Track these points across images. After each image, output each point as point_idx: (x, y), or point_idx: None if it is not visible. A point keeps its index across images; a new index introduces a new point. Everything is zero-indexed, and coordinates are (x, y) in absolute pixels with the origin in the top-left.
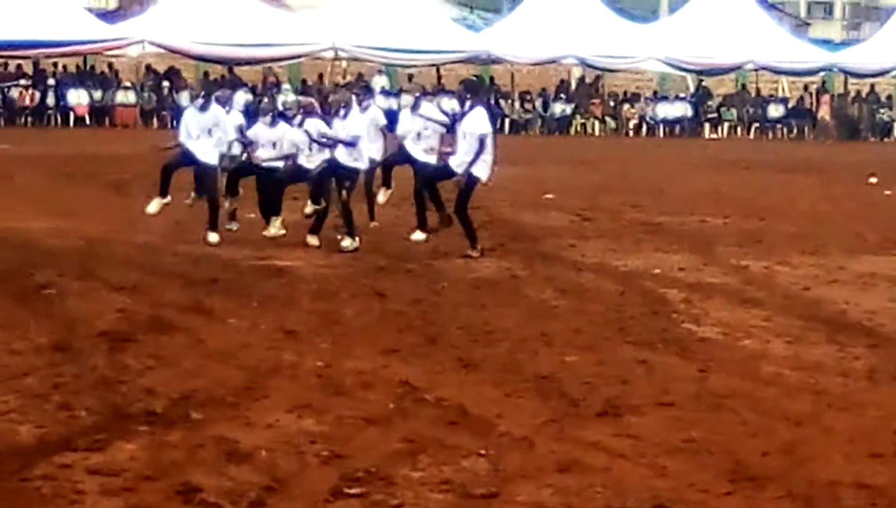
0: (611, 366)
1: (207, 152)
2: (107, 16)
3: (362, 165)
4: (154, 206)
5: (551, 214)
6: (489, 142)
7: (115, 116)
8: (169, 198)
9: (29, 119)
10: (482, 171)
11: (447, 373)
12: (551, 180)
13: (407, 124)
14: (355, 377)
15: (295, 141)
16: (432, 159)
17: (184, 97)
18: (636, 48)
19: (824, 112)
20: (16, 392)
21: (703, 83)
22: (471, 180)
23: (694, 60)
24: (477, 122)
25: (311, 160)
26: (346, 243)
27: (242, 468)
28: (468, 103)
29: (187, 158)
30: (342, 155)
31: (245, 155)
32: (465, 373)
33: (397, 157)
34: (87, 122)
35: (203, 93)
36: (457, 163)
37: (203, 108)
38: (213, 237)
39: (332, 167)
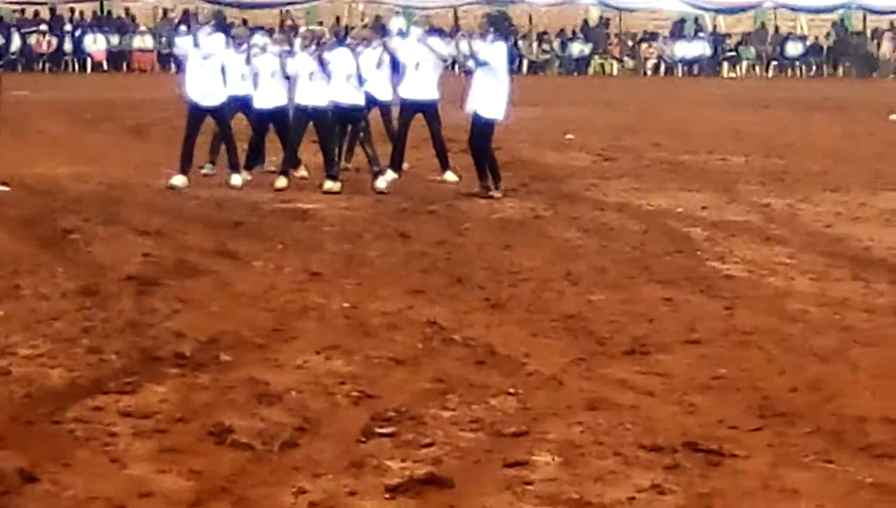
0: (637, 305)
1: (213, 92)
2: None
3: (361, 101)
4: (178, 181)
5: (572, 154)
6: (503, 78)
7: (133, 61)
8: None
9: (47, 65)
10: (497, 111)
11: (474, 313)
12: (571, 121)
13: (409, 52)
14: (382, 317)
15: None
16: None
17: None
18: None
19: (886, 48)
20: (45, 337)
21: (699, 21)
22: (488, 121)
23: None
24: (494, 54)
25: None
26: (380, 183)
27: (273, 409)
28: (490, 38)
29: (198, 112)
30: (340, 94)
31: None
32: (491, 313)
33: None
34: (105, 67)
35: (213, 21)
36: (474, 100)
37: (210, 34)
38: (236, 180)
39: (336, 110)
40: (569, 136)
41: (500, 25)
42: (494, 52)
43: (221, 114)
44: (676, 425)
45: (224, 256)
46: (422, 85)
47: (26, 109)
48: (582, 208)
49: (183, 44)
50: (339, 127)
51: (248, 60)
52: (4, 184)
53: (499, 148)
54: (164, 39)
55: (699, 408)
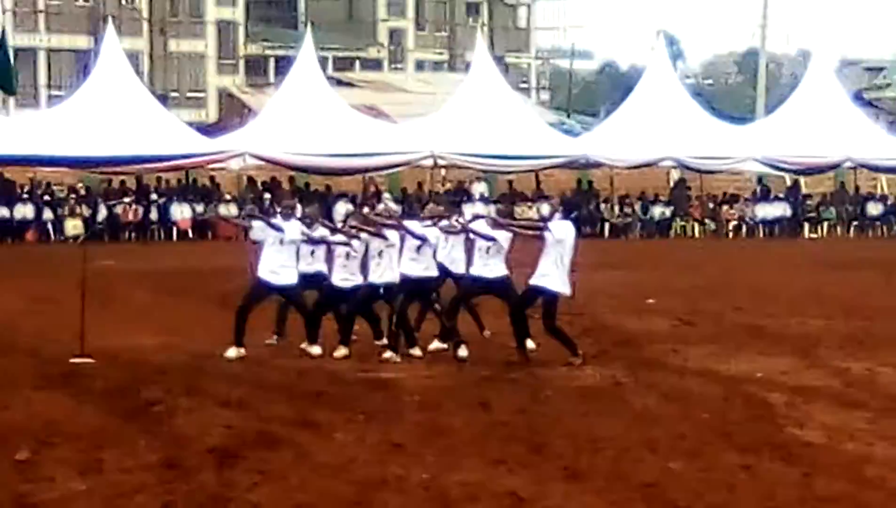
0: (715, 472)
1: (286, 272)
2: (207, 130)
3: (433, 272)
4: (233, 353)
5: (653, 319)
6: (566, 253)
7: (218, 228)
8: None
9: (133, 234)
10: (562, 285)
11: (553, 483)
12: (652, 284)
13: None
14: (461, 488)
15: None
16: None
17: None
18: (734, 149)
19: None
20: None
21: (787, 183)
22: (551, 295)
23: (792, 160)
24: (562, 231)
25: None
26: (462, 351)
27: None
28: (557, 215)
29: (265, 288)
30: (409, 267)
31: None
32: (570, 483)
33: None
34: (190, 235)
35: (293, 204)
36: (538, 276)
37: (286, 218)
38: (316, 349)
39: (406, 283)
40: (649, 300)
41: (569, 210)
42: (562, 228)
43: (292, 292)
44: None
45: (305, 426)
46: (490, 264)
47: (113, 278)
48: (662, 374)
49: (259, 229)
50: (410, 299)
51: (319, 241)
52: (89, 356)
53: (580, 313)
54: (248, 207)
55: None
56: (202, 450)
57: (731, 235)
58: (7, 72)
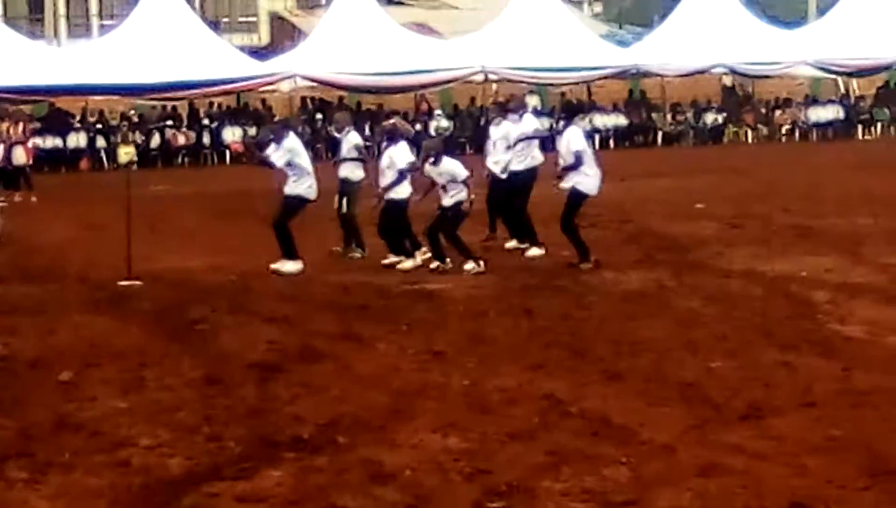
0: (754, 370)
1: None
2: (258, 53)
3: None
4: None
5: (701, 223)
6: (587, 158)
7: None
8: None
9: (185, 159)
10: (587, 186)
11: (592, 385)
12: (702, 190)
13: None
14: (500, 394)
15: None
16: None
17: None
18: (786, 54)
19: None
20: (167, 426)
21: (840, 85)
22: (575, 195)
23: (844, 62)
24: (571, 139)
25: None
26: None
27: (387, 488)
28: (562, 123)
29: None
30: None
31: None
32: (609, 384)
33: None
34: (244, 159)
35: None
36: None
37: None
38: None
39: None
40: (698, 205)
41: (571, 114)
42: (569, 137)
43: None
44: (785, 487)
45: (348, 339)
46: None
47: (163, 203)
48: (706, 277)
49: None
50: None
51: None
52: (137, 279)
53: (628, 220)
54: (301, 129)
55: (809, 470)
56: (244, 366)
57: (784, 139)
58: None
